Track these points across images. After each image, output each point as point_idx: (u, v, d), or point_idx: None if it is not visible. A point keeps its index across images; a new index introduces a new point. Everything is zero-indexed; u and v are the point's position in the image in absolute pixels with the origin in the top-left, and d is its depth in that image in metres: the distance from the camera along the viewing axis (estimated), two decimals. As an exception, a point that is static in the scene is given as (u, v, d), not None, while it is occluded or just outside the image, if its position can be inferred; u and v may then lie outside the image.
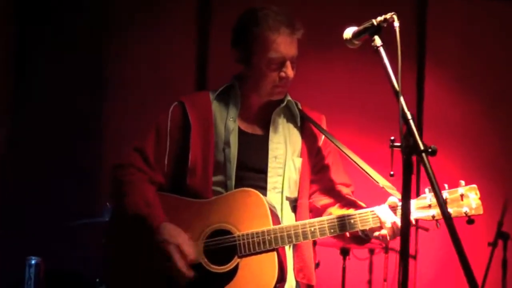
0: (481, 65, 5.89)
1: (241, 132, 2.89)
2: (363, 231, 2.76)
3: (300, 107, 2.99)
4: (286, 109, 2.96)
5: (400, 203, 2.62)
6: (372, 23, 2.39)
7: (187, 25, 5.72)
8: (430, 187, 2.58)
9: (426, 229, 5.22)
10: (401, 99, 2.18)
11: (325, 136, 2.94)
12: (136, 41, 5.54)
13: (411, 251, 5.59)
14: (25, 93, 5.42)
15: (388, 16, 2.33)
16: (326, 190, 2.96)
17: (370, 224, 2.70)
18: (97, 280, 4.21)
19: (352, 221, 2.70)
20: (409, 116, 2.15)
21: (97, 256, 4.18)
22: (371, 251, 5.42)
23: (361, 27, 2.44)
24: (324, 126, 3.00)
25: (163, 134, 2.88)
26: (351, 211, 2.78)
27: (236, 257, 2.72)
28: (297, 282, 2.88)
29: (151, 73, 5.56)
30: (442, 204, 2.01)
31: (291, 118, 2.97)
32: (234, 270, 2.71)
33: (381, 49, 2.34)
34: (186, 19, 5.72)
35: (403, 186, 2.12)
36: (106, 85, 5.55)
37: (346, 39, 2.51)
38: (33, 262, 3.76)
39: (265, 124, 2.93)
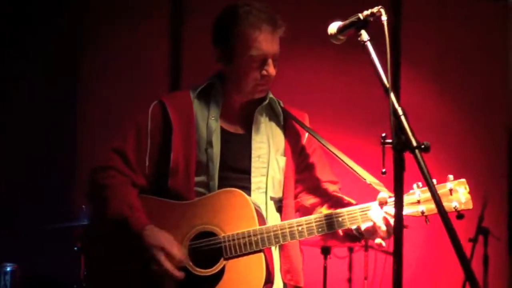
0: (456, 62, 5.90)
1: (223, 132, 2.83)
2: (357, 229, 2.70)
3: (282, 105, 2.94)
4: (268, 108, 2.91)
5: (390, 199, 2.59)
6: (358, 17, 2.32)
7: (160, 23, 5.67)
8: (417, 183, 2.54)
9: (405, 226, 5.20)
10: (391, 94, 2.12)
11: (309, 133, 2.89)
12: (110, 41, 5.49)
13: (390, 248, 5.56)
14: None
15: (375, 10, 2.27)
16: (313, 188, 2.91)
17: (359, 221, 2.64)
18: (74, 286, 4.11)
19: (340, 219, 2.64)
20: (400, 112, 2.10)
21: (74, 261, 4.15)
22: (350, 250, 5.41)
23: (347, 21, 2.38)
24: (307, 124, 2.94)
25: (144, 134, 2.81)
26: (338, 210, 2.72)
27: (222, 259, 2.65)
28: (284, 284, 2.82)
29: (126, 74, 5.51)
30: (438, 201, 1.96)
31: (273, 117, 2.91)
32: (220, 273, 2.65)
33: (369, 44, 2.28)
34: (159, 16, 5.67)
35: (394, 183, 2.07)
36: (80, 87, 5.47)
37: (331, 34, 2.45)
38: (8, 269, 3.67)
39: (248, 123, 2.87)
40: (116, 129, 4.90)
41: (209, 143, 2.79)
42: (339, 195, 2.87)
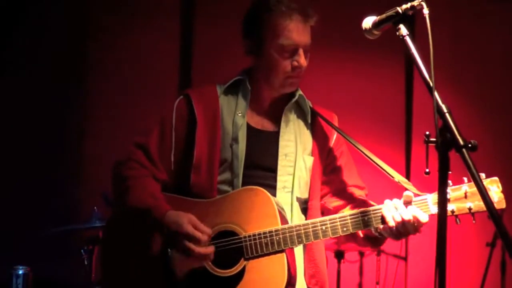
0: (472, 62, 5.83)
1: (249, 128, 2.75)
2: (377, 230, 2.62)
3: (311, 105, 2.86)
4: (296, 105, 2.83)
5: (417, 198, 2.54)
6: (397, 11, 2.24)
7: (170, 22, 5.62)
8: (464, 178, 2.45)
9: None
10: (435, 92, 2.03)
11: (338, 132, 2.82)
12: (118, 36, 5.42)
13: (401, 252, 5.52)
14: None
15: (415, 3, 2.18)
16: (338, 192, 2.83)
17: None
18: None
19: (366, 218, 2.57)
20: (445, 110, 2.01)
21: (87, 264, 4.07)
22: (361, 254, 5.34)
23: (383, 15, 2.30)
24: (336, 120, 2.88)
25: (168, 130, 2.75)
26: (364, 208, 2.64)
27: (242, 259, 2.57)
28: None
29: (133, 71, 5.43)
30: (489, 203, 1.86)
31: (301, 115, 2.84)
32: (241, 273, 2.57)
33: (408, 38, 2.20)
34: (170, 15, 5.61)
35: (439, 184, 1.99)
36: (87, 87, 5.39)
37: (366, 29, 2.37)
38: (20, 272, 3.59)
39: (276, 120, 2.80)
40: (123, 129, 4.93)
41: (235, 139, 2.72)
42: (365, 199, 2.79)
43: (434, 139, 1.99)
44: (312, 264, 2.74)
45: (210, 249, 2.57)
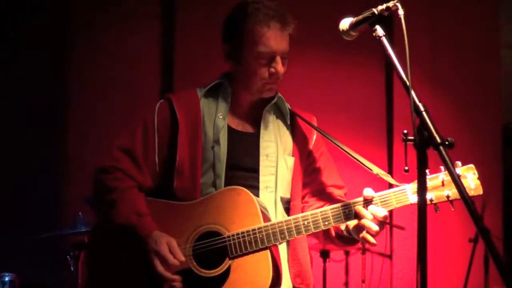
0: (449, 61, 5.89)
1: (230, 130, 2.79)
2: (347, 230, 2.68)
3: (290, 108, 2.91)
4: (275, 107, 2.88)
5: (395, 189, 2.59)
6: (373, 12, 2.28)
7: (151, 26, 5.60)
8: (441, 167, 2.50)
9: (402, 228, 5.18)
10: (412, 91, 2.07)
11: (316, 130, 2.86)
12: (100, 39, 5.40)
13: (386, 251, 5.55)
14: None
15: (390, 4, 2.22)
16: (317, 192, 2.88)
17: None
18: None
19: (347, 210, 2.61)
20: (422, 108, 2.04)
21: (73, 269, 4.07)
22: (347, 253, 5.36)
23: (360, 17, 2.34)
24: (315, 121, 2.92)
25: (151, 131, 2.76)
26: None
27: (227, 259, 2.60)
28: (294, 287, 2.76)
29: (115, 74, 5.41)
30: (467, 199, 1.89)
31: (280, 116, 2.89)
32: (226, 273, 2.59)
33: (384, 39, 2.24)
34: (151, 19, 5.60)
35: (418, 181, 2.02)
36: (70, 89, 5.37)
37: (343, 31, 2.41)
38: (6, 279, 3.58)
39: (256, 121, 2.83)
40: (107, 132, 4.91)
41: (216, 142, 2.75)
42: (343, 199, 2.82)
43: (412, 138, 2.03)
44: (296, 263, 2.77)
45: (175, 277, 2.59)
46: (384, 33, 2.25)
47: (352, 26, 2.37)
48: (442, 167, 2.51)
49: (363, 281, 5.30)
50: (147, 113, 2.80)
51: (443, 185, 2.51)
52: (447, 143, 1.98)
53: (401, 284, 5.62)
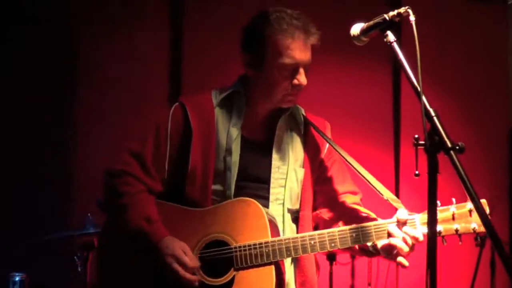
0: (456, 65, 5.89)
1: (244, 140, 2.77)
2: (372, 246, 2.68)
3: (304, 113, 2.88)
4: (290, 116, 2.85)
5: (410, 217, 2.58)
6: (384, 18, 2.31)
7: (159, 28, 5.59)
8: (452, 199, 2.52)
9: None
10: (423, 96, 2.09)
11: (329, 144, 2.83)
12: (107, 40, 5.39)
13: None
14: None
15: (402, 10, 2.25)
16: (330, 201, 2.86)
17: (373, 238, 2.61)
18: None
19: (354, 234, 2.61)
20: (433, 113, 2.07)
21: (80, 270, 4.09)
22: (353, 256, 5.35)
23: (371, 22, 2.37)
24: (328, 133, 2.89)
25: (163, 138, 2.75)
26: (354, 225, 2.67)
27: (232, 269, 2.62)
28: None
29: (123, 75, 5.41)
30: (482, 211, 1.92)
31: (295, 126, 2.86)
32: (230, 283, 2.62)
33: (395, 45, 2.27)
34: (159, 22, 5.59)
35: (428, 186, 2.05)
36: (78, 91, 5.38)
37: (354, 36, 2.43)
38: (17, 279, 3.60)
39: (269, 131, 2.81)
40: (116, 134, 4.93)
41: (228, 151, 2.73)
42: (357, 207, 2.82)
43: (423, 142, 2.05)
44: (302, 272, 2.79)
45: (196, 278, 2.61)
46: (395, 39, 2.27)
47: (363, 32, 2.38)
48: (453, 199, 2.52)
49: (369, 284, 5.31)
50: (160, 118, 2.79)
51: (453, 219, 2.51)
52: (457, 147, 2.00)
53: (407, 284, 5.63)
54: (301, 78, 2.68)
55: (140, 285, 2.70)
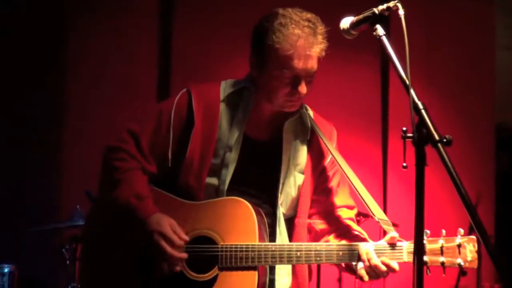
0: (444, 63, 5.94)
1: (246, 138, 2.73)
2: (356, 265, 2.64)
3: (312, 116, 2.83)
4: (298, 120, 2.78)
5: (398, 243, 2.56)
6: (373, 12, 2.32)
7: (149, 23, 5.59)
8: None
9: (396, 225, 5.21)
10: (411, 90, 2.11)
11: (332, 155, 2.77)
12: (96, 36, 5.40)
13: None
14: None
15: (391, 4, 2.26)
16: (326, 213, 2.82)
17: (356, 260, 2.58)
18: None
19: (341, 253, 2.58)
20: (421, 106, 2.08)
21: (69, 262, 4.10)
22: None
23: (361, 16, 2.37)
24: (334, 138, 2.85)
25: (165, 126, 2.72)
26: (342, 242, 2.67)
27: (216, 267, 2.62)
28: None
29: (112, 70, 5.41)
30: (465, 196, 1.94)
31: (301, 130, 2.79)
32: (213, 280, 2.62)
33: (384, 38, 2.29)
34: (148, 16, 5.59)
35: (416, 178, 2.05)
36: (65, 85, 5.38)
37: (344, 29, 2.43)
38: (6, 270, 3.59)
39: (274, 132, 2.77)
40: (104, 126, 4.93)
41: (229, 147, 2.70)
42: (350, 223, 2.79)
43: (411, 135, 2.06)
44: (294, 275, 2.76)
45: (183, 255, 2.61)
46: (384, 33, 2.28)
47: (353, 25, 2.39)
48: (443, 231, 2.52)
49: (356, 278, 5.32)
50: (165, 105, 2.76)
51: (442, 253, 2.50)
52: (445, 140, 2.02)
53: (394, 280, 5.65)
54: (300, 88, 2.60)
55: (126, 274, 2.69)
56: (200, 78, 5.15)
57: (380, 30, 2.29)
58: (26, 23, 5.26)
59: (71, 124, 5.32)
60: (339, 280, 5.39)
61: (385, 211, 5.70)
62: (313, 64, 2.61)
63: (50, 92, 5.32)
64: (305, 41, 2.57)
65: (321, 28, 2.62)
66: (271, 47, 2.58)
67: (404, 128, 2.09)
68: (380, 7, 2.30)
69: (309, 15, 2.62)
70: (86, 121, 5.30)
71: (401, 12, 2.22)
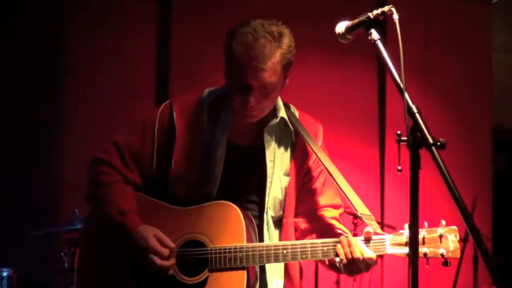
0: (441, 64, 5.97)
1: (230, 144, 2.76)
2: (339, 261, 2.64)
3: (297, 116, 2.83)
4: (281, 123, 2.79)
5: (375, 237, 2.57)
6: (368, 17, 2.33)
7: (147, 24, 5.61)
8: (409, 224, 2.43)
9: (393, 227, 5.24)
10: (406, 93, 2.12)
11: (316, 155, 2.78)
12: (95, 38, 5.43)
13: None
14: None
15: (386, 9, 2.28)
16: (309, 213, 2.85)
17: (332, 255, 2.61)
18: (69, 290, 4.08)
19: (325, 249, 2.60)
20: (415, 110, 2.10)
21: (67, 266, 4.10)
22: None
23: (356, 20, 2.38)
24: (320, 136, 2.85)
25: (149, 138, 2.76)
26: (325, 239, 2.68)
27: (206, 270, 2.67)
28: None
29: (111, 72, 5.44)
30: (458, 198, 1.95)
31: (285, 132, 2.81)
32: (203, 283, 2.67)
33: (379, 43, 2.30)
34: (147, 17, 5.61)
35: (411, 182, 2.06)
36: (66, 88, 5.40)
37: (339, 34, 2.44)
38: (5, 274, 3.61)
39: (257, 136, 2.79)
40: (103, 130, 4.95)
41: (213, 155, 2.74)
42: (333, 222, 2.82)
43: (405, 138, 2.08)
44: (286, 275, 2.81)
45: (171, 262, 2.66)
46: (379, 37, 2.29)
47: (348, 30, 2.40)
48: (425, 223, 2.53)
49: (354, 280, 5.34)
50: (148, 117, 2.80)
51: (423, 243, 2.51)
52: (439, 143, 2.03)
53: (392, 282, 5.68)
54: (248, 98, 2.58)
55: (122, 278, 2.74)
56: (199, 79, 5.21)
57: (375, 34, 2.30)
58: (25, 24, 5.27)
59: (71, 128, 5.33)
60: (337, 282, 5.40)
61: (382, 213, 5.75)
62: (266, 76, 2.55)
63: (50, 96, 5.33)
64: (258, 52, 2.53)
65: (285, 43, 2.58)
66: (228, 52, 2.60)
67: (399, 132, 2.11)
68: (375, 12, 2.31)
69: (275, 28, 2.57)
70: (86, 124, 5.31)
71: (395, 16, 2.23)
